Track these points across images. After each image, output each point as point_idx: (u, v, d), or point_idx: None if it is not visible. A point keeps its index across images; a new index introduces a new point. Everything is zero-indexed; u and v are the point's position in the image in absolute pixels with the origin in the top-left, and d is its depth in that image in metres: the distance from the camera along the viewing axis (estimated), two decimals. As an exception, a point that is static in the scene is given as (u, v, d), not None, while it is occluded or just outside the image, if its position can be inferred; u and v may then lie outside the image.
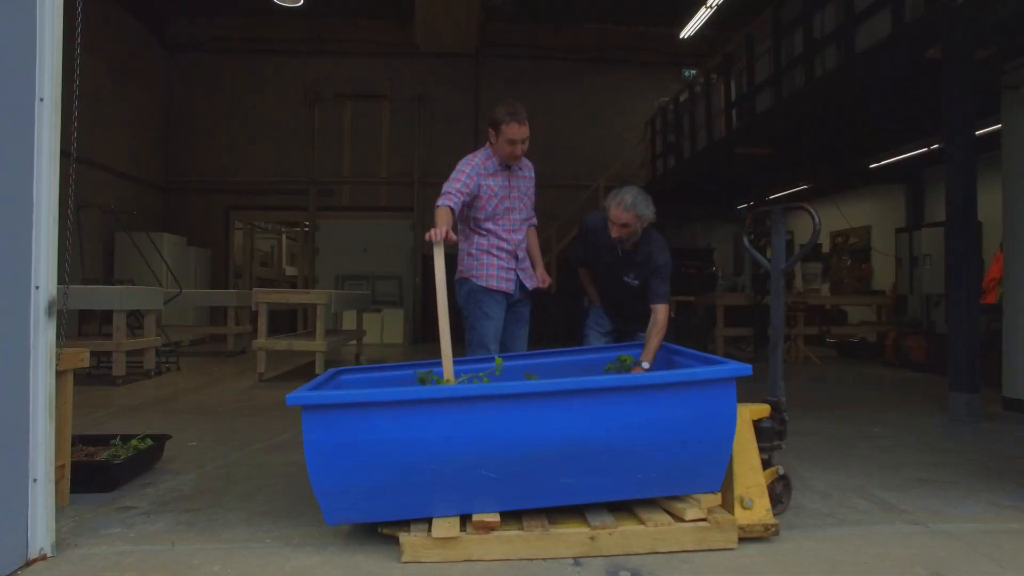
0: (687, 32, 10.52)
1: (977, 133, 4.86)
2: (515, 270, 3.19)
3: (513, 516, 2.17)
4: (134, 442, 3.04)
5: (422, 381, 2.53)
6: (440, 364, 2.68)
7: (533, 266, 3.30)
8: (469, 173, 3.02)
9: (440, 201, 2.92)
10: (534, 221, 3.36)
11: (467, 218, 3.15)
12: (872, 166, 9.14)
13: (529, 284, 3.24)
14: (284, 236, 16.15)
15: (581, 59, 12.65)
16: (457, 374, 2.48)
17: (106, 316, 6.68)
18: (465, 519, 2.12)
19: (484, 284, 3.07)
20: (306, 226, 12.67)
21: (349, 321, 9.89)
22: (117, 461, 2.79)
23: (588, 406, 2.03)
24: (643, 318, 3.12)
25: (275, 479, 2.98)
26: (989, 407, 4.81)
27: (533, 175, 3.31)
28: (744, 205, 11.52)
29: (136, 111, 11.16)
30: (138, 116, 11.24)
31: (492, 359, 2.53)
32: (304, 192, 12.26)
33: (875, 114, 6.96)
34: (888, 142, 8.32)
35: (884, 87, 6.08)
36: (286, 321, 13.35)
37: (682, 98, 10.15)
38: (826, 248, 11.43)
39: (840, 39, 5.90)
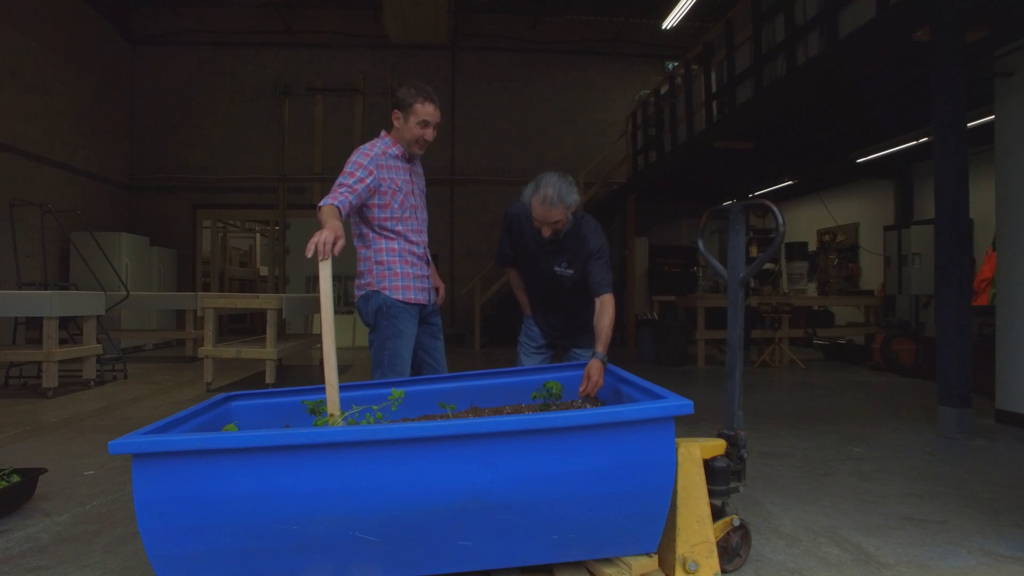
0: (669, 23, 10.10)
1: (968, 125, 4.49)
2: (428, 277, 2.76)
3: (405, 583, 1.77)
4: (-5, 479, 2.62)
5: (312, 412, 2.12)
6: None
7: None
8: (367, 166, 2.53)
9: (325, 199, 2.37)
10: None
11: (367, 220, 2.65)
12: (859, 161, 8.77)
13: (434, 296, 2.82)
14: (259, 235, 15.66)
15: (561, 51, 12.27)
16: (349, 404, 2.07)
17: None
18: (344, 589, 1.72)
19: (400, 297, 2.61)
20: (276, 225, 12.21)
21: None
22: (-41, 507, 2.37)
23: (487, 453, 1.63)
24: (582, 330, 2.75)
25: (159, 521, 2.56)
26: (981, 419, 4.45)
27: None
28: (728, 202, 11.12)
29: (96, 106, 10.65)
30: (98, 111, 10.73)
31: (390, 388, 2.11)
32: (274, 189, 11.83)
33: (861, 105, 6.60)
34: (875, 135, 7.96)
35: (870, 75, 5.72)
36: (262, 322, 12.86)
37: (663, 91, 9.75)
38: (812, 246, 11.06)
39: (823, 24, 5.51)
